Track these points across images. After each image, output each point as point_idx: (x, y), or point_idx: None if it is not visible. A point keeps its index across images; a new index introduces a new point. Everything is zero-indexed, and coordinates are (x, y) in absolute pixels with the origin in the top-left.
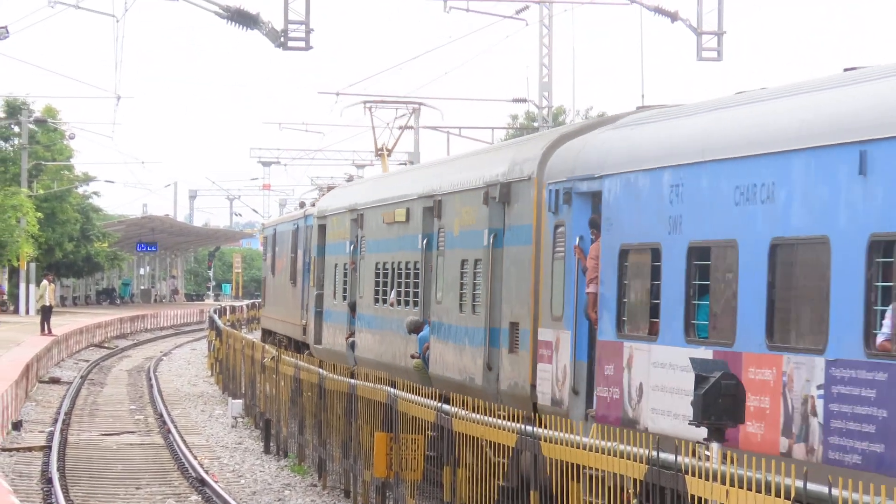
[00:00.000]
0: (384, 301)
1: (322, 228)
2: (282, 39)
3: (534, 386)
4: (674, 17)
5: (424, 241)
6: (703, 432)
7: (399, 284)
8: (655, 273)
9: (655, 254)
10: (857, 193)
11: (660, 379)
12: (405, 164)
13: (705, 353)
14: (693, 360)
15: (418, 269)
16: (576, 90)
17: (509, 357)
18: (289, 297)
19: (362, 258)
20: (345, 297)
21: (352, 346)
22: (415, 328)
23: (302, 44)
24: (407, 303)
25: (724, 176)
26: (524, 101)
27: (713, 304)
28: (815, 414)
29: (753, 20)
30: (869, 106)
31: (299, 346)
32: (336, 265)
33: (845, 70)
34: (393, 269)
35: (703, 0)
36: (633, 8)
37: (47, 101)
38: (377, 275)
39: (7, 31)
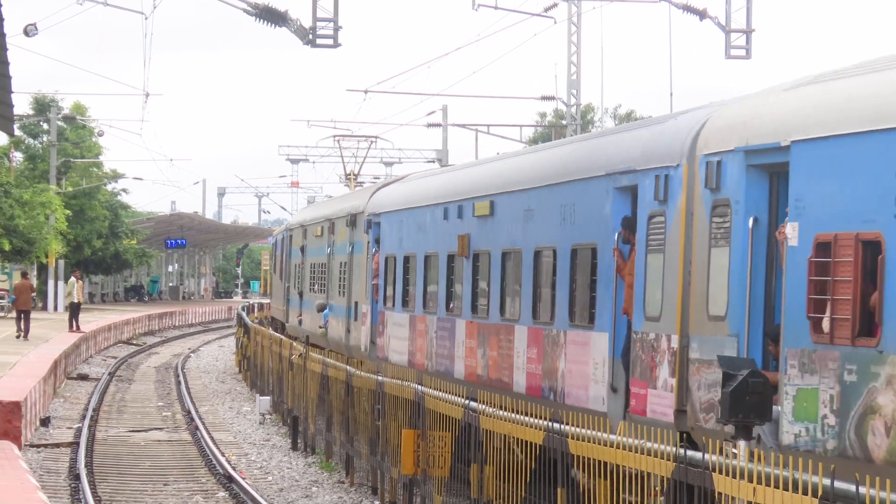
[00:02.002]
0: (313, 290)
1: (290, 238)
2: (310, 37)
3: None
4: (702, 14)
5: (328, 249)
6: (402, 357)
7: (319, 278)
8: (395, 271)
9: (395, 260)
10: (442, 228)
11: (394, 332)
12: (432, 161)
13: (405, 316)
14: (720, 358)
15: (325, 268)
16: (604, 88)
17: (354, 324)
18: (280, 290)
19: (305, 260)
20: (297, 288)
21: (299, 322)
22: (320, 308)
23: (330, 41)
24: (322, 291)
25: (414, 216)
26: (552, 98)
27: (410, 289)
28: (432, 345)
29: (783, 17)
30: (451, 181)
31: (284, 327)
32: (296, 265)
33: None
34: (316, 268)
35: None
36: (662, 6)
37: (76, 98)
38: (311, 272)
39: (36, 28)
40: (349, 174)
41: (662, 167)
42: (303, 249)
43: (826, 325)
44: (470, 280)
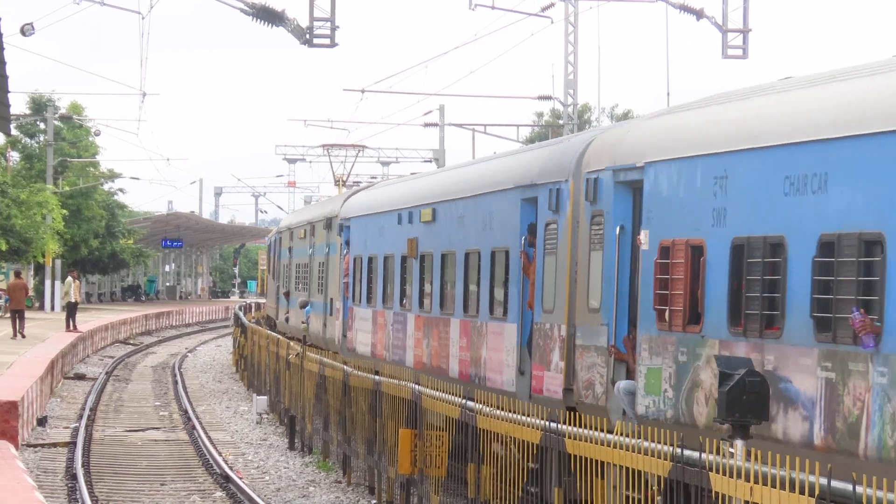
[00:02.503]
0: (297, 289)
1: (280, 240)
2: (307, 36)
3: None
4: (699, 14)
5: (310, 251)
6: (367, 349)
7: (303, 278)
8: (362, 270)
9: (362, 261)
10: (397, 232)
11: (360, 326)
12: (429, 161)
13: (368, 311)
14: (718, 358)
15: (307, 268)
16: (601, 87)
17: (329, 319)
18: (273, 289)
19: (291, 261)
20: (285, 287)
21: (286, 320)
22: (303, 305)
23: (327, 41)
24: (304, 289)
25: (376, 221)
26: (549, 98)
27: (373, 287)
28: (389, 337)
29: (780, 17)
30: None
31: (275, 324)
32: (284, 265)
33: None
34: (300, 268)
35: None
36: (659, 6)
37: (73, 97)
38: (295, 272)
39: (33, 28)
40: (338, 180)
41: (555, 182)
42: (290, 251)
43: (667, 315)
44: (417, 278)
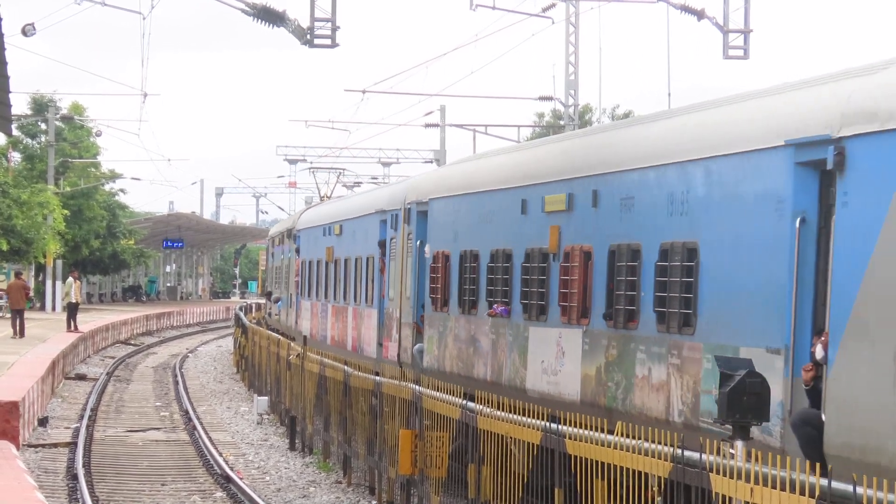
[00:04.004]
0: (275, 287)
1: (269, 247)
2: (308, 37)
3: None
4: (700, 15)
5: (282, 256)
6: (307, 332)
7: (277, 278)
8: (308, 272)
9: (305, 263)
10: (323, 242)
11: (304, 314)
12: (430, 162)
13: (308, 302)
14: (718, 359)
15: (280, 270)
16: (602, 88)
17: (290, 310)
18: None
19: (273, 264)
20: (269, 286)
21: (269, 315)
22: (275, 300)
23: (328, 41)
24: (278, 287)
25: (312, 233)
26: (550, 99)
27: (310, 283)
28: (318, 322)
29: (781, 18)
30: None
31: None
32: (269, 268)
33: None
34: (277, 270)
35: None
36: (660, 6)
37: (74, 98)
38: (276, 273)
39: (34, 28)
40: (323, 196)
41: (394, 209)
42: (272, 256)
43: (435, 301)
44: (332, 277)
